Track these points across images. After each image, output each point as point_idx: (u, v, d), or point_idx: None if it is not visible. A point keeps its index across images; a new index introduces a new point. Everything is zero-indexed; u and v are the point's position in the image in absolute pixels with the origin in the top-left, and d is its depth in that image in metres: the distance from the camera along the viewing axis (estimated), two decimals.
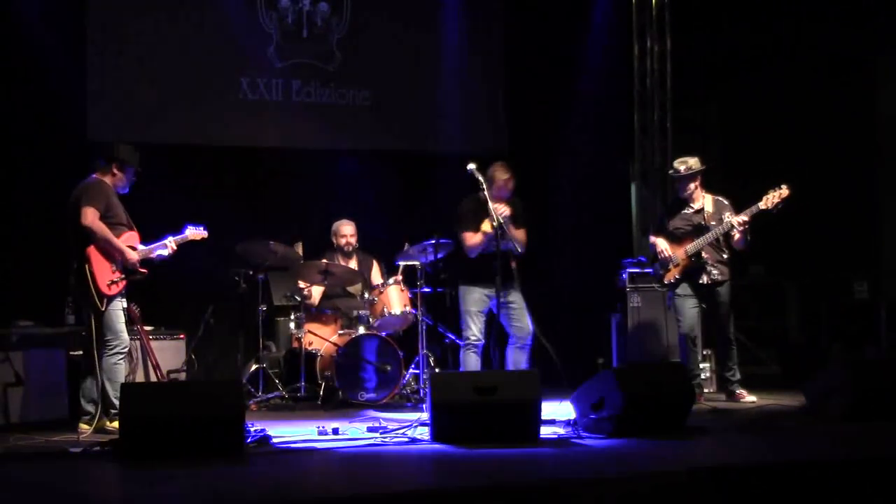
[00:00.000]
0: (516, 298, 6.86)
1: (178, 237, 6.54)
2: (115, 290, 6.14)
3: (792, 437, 5.71)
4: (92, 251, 6.10)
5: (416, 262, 7.74)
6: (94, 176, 6.33)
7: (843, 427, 5.81)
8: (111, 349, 6.11)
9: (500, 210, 6.68)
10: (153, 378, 6.84)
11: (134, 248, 6.27)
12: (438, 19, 9.77)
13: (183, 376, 7.26)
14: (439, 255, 7.38)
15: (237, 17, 9.16)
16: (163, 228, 6.54)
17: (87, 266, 6.07)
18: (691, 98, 10.48)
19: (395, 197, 9.13)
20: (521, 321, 6.86)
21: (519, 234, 6.81)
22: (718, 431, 5.93)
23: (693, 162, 7.31)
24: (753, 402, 7.12)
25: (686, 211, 7.36)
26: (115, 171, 6.34)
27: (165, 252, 6.44)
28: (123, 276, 6.18)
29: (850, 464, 4.62)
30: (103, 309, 6.07)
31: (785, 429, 6.02)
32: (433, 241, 7.20)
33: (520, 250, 6.83)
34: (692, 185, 7.30)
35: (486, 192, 6.56)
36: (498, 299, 6.53)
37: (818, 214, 9.17)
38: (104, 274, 6.11)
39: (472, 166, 6.59)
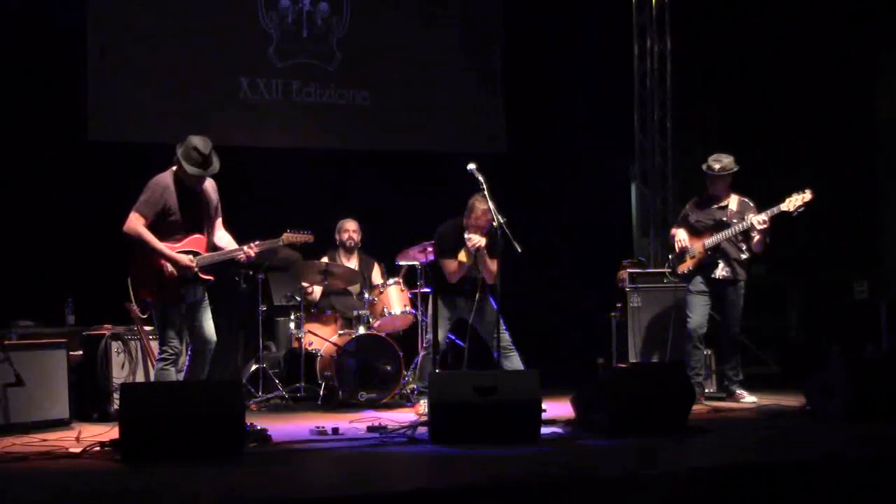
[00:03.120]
0: (489, 308, 6.84)
1: (265, 243, 6.08)
2: (161, 297, 5.81)
3: (792, 437, 5.70)
4: (137, 255, 5.83)
5: (416, 262, 7.74)
6: (167, 171, 5.91)
7: (843, 427, 5.80)
8: (161, 354, 5.91)
9: (475, 241, 6.74)
10: (153, 378, 6.82)
11: (196, 253, 5.86)
12: (438, 19, 9.78)
13: (183, 376, 7.24)
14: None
15: (237, 17, 9.18)
16: None
17: (130, 270, 5.85)
18: (691, 98, 10.49)
19: (395, 197, 9.12)
20: (496, 330, 6.84)
21: (492, 266, 6.75)
22: (718, 431, 5.93)
23: (728, 162, 7.33)
24: (754, 403, 7.12)
25: (710, 206, 7.40)
26: (177, 166, 5.88)
27: (242, 257, 5.97)
28: (181, 281, 5.81)
29: (850, 464, 4.62)
30: (143, 316, 5.93)
31: (785, 429, 6.01)
32: (433, 242, 7.20)
33: (490, 282, 6.82)
34: (723, 184, 7.35)
35: (486, 192, 6.55)
36: (498, 325, 6.61)
37: (818, 214, 9.14)
38: (151, 280, 5.81)
39: (472, 166, 6.58)
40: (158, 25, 8.95)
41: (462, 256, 6.84)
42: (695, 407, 6.14)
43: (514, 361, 6.81)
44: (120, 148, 8.62)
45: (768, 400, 7.17)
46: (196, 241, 5.92)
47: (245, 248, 5.98)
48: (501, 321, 6.76)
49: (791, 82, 10.30)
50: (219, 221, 6.10)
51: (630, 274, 8.27)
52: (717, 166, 7.32)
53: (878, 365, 6.59)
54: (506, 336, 6.81)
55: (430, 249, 7.30)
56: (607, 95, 10.01)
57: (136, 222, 5.78)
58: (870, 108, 10.27)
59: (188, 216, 5.88)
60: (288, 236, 6.27)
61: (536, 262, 7.92)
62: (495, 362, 6.72)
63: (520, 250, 6.61)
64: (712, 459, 4.98)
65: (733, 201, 7.35)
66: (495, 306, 6.81)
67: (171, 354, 5.88)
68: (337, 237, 8.23)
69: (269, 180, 9.01)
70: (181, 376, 6.02)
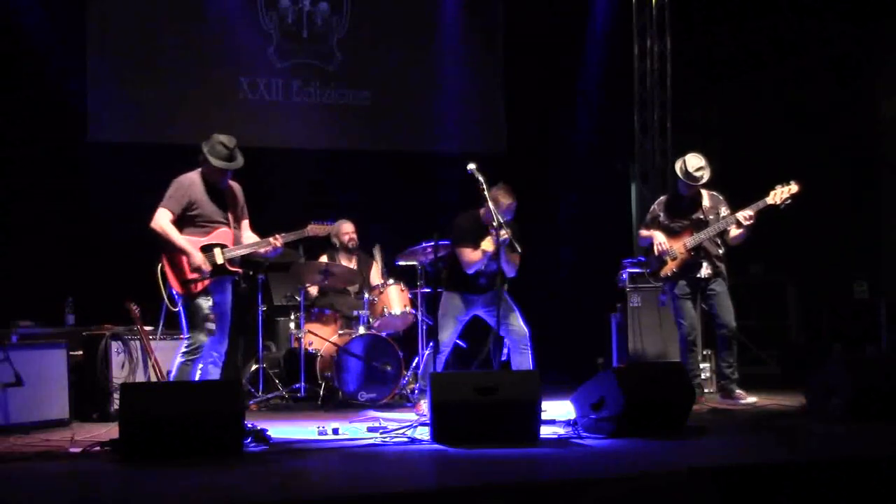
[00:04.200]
0: (504, 304, 6.69)
1: (290, 234, 6.22)
2: (192, 289, 5.90)
3: (792, 437, 5.70)
4: (166, 248, 5.95)
5: (416, 262, 7.75)
6: (192, 171, 6.08)
7: (843, 427, 5.80)
8: (185, 348, 5.97)
9: (504, 233, 6.57)
10: (153, 378, 6.84)
11: (224, 246, 6.00)
12: (438, 19, 9.79)
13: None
14: (439, 255, 7.37)
15: (237, 17, 9.19)
16: None
17: (160, 265, 5.95)
18: (691, 98, 10.49)
19: (395, 197, 9.13)
20: (514, 324, 6.81)
21: (514, 259, 6.67)
22: (718, 431, 5.92)
23: (709, 168, 7.14)
24: (753, 403, 7.06)
25: (683, 205, 7.28)
26: (203, 164, 6.06)
27: (269, 248, 6.10)
28: (208, 274, 5.92)
29: (850, 464, 4.61)
30: (174, 308, 5.97)
31: (785, 429, 6.01)
32: (433, 242, 7.20)
33: (511, 274, 6.71)
34: (700, 187, 7.23)
35: (486, 193, 6.54)
36: (498, 313, 6.47)
37: (818, 214, 9.17)
38: (178, 273, 5.91)
39: (472, 166, 6.58)
40: (158, 25, 8.97)
41: (486, 245, 6.65)
42: (695, 407, 6.14)
43: (527, 359, 6.74)
44: (120, 148, 8.63)
45: (768, 400, 7.16)
46: (223, 234, 6.07)
47: (271, 238, 6.12)
48: (521, 315, 6.74)
49: (791, 82, 10.31)
50: (245, 223, 6.26)
51: (630, 274, 8.26)
52: (699, 174, 7.12)
53: (878, 365, 6.59)
54: (525, 330, 6.77)
55: (429, 250, 7.30)
56: (607, 95, 10.01)
57: (162, 218, 5.96)
58: (870, 108, 10.28)
59: (214, 211, 6.05)
60: (313, 227, 6.39)
61: (536, 261, 7.91)
62: (501, 362, 6.69)
63: (520, 250, 6.61)
64: (712, 459, 4.98)
65: (704, 197, 7.24)
66: (511, 301, 6.79)
67: (196, 348, 5.94)
68: (335, 240, 8.20)
69: (269, 180, 8.99)
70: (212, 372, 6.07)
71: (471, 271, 6.77)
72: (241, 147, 8.87)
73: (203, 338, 5.96)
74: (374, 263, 8.35)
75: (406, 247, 7.64)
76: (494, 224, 6.49)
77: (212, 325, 6.02)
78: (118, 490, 4.43)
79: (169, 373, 7.00)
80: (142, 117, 8.86)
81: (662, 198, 7.51)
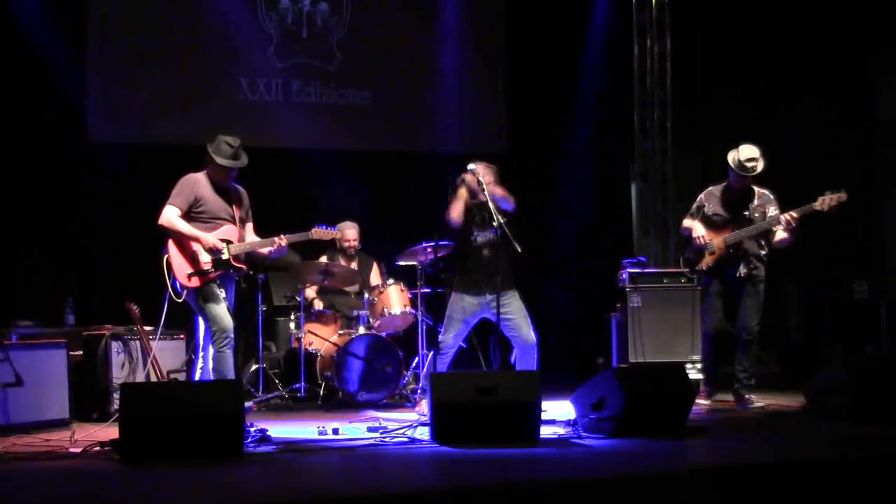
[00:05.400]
0: (513, 309, 6.57)
1: (294, 235, 6.36)
2: (195, 282, 5.99)
3: (792, 437, 5.71)
4: (172, 244, 6.06)
5: (416, 262, 7.74)
6: (198, 172, 6.19)
7: (843, 427, 5.81)
8: (214, 339, 5.99)
9: (468, 178, 6.50)
10: (153, 378, 6.84)
11: (229, 242, 6.10)
12: (438, 19, 9.79)
13: (183, 376, 7.24)
14: (439, 255, 7.37)
15: (237, 17, 9.19)
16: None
17: (166, 257, 6.04)
18: (691, 98, 10.49)
19: (395, 197, 9.13)
20: (521, 331, 6.66)
21: (500, 190, 6.47)
22: (718, 431, 5.93)
23: (763, 160, 6.91)
24: (762, 408, 6.89)
25: (730, 198, 7.04)
26: (208, 164, 6.17)
27: (273, 248, 6.23)
28: (213, 268, 6.02)
29: (850, 464, 4.62)
30: (178, 300, 6.03)
31: (785, 429, 6.02)
32: (433, 242, 7.20)
33: (508, 207, 6.46)
34: (752, 180, 6.99)
35: (485, 194, 6.52)
36: (498, 313, 6.38)
37: (818, 214, 9.16)
38: (184, 265, 6.01)
39: (472, 166, 6.58)
40: (158, 25, 8.97)
41: (461, 194, 6.57)
42: (695, 406, 6.14)
43: (531, 363, 6.62)
44: (120, 148, 8.64)
45: (768, 400, 7.15)
46: (229, 230, 6.16)
47: (276, 238, 6.23)
48: (530, 321, 6.69)
49: (791, 82, 10.30)
50: (249, 226, 6.36)
51: (630, 274, 8.24)
52: (756, 167, 6.89)
53: (878, 365, 6.59)
54: (534, 338, 6.60)
55: (429, 250, 7.31)
56: (607, 95, 10.01)
57: (170, 213, 6.06)
58: (870, 108, 10.27)
59: (220, 208, 6.15)
60: (317, 231, 6.57)
61: (537, 261, 7.91)
62: (509, 364, 6.65)
63: (520, 250, 6.60)
64: (712, 459, 4.98)
65: (755, 195, 7.01)
66: (523, 308, 6.70)
67: (226, 334, 5.98)
68: (336, 243, 8.17)
69: (269, 180, 8.99)
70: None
71: (453, 224, 6.58)
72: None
73: (229, 321, 6.03)
74: (375, 264, 8.35)
75: (406, 247, 7.63)
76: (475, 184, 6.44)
77: (221, 312, 6.03)
78: (118, 490, 4.43)
79: (168, 372, 7.04)
80: (142, 117, 8.86)
81: (711, 187, 7.21)
